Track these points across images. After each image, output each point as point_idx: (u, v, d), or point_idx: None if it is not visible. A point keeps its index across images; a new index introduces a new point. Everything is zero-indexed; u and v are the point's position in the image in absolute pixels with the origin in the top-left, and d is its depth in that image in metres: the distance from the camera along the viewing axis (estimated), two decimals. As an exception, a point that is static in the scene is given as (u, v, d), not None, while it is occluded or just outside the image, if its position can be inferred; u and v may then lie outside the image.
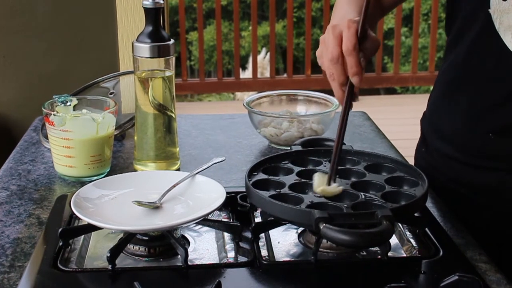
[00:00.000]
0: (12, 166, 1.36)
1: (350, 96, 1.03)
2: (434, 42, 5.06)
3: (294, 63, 5.39)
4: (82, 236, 1.04)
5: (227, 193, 1.06)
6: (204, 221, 1.04)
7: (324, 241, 0.96)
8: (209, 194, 1.07)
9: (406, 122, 3.78)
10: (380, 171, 1.11)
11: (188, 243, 1.04)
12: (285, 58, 5.50)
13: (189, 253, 0.97)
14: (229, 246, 1.02)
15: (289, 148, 1.24)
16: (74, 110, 1.33)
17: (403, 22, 6.25)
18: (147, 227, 1.01)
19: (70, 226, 1.07)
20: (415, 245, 1.02)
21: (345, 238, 0.86)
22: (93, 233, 1.06)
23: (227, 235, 1.05)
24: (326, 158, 1.15)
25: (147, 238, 1.01)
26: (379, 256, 0.98)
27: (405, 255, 1.02)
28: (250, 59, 5.32)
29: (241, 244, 1.02)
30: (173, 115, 1.30)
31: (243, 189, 1.06)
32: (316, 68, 5.20)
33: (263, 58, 6.48)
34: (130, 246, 1.00)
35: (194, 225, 1.08)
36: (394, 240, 1.05)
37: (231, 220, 1.10)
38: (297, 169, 1.11)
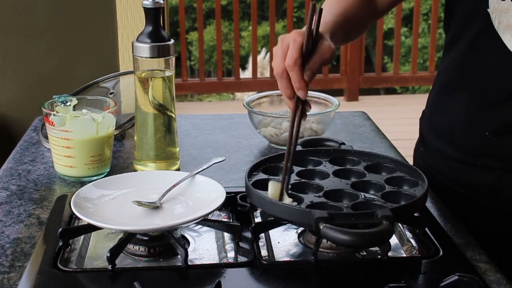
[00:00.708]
0: (12, 166, 1.36)
1: (301, 107, 1.03)
2: (434, 42, 5.06)
3: (294, 63, 5.38)
4: (82, 236, 1.04)
5: (227, 193, 1.06)
6: (204, 221, 1.04)
7: (324, 241, 0.96)
8: (209, 194, 1.07)
9: (406, 122, 3.78)
10: (380, 171, 1.11)
11: (188, 243, 1.04)
12: (285, 58, 5.49)
13: (189, 253, 0.97)
14: (229, 246, 1.02)
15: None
16: (74, 110, 1.33)
17: (403, 22, 6.25)
18: (147, 227, 1.01)
19: (70, 226, 1.07)
20: (415, 245, 1.02)
21: (345, 238, 0.86)
22: (93, 233, 1.06)
23: (227, 235, 1.05)
24: (326, 158, 1.15)
25: (147, 238, 1.01)
26: (379, 256, 0.98)
27: (405, 255, 1.02)
28: (250, 59, 5.32)
29: (241, 244, 1.02)
30: (173, 115, 1.30)
31: (243, 189, 1.06)
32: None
33: (263, 58, 6.48)
34: (130, 246, 1.00)
35: (194, 225, 1.08)
36: (394, 240, 1.05)
37: (231, 220, 1.10)
38: (297, 169, 1.11)
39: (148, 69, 1.27)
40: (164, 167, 1.31)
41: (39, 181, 1.29)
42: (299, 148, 1.20)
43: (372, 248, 1.00)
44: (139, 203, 1.06)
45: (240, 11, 5.70)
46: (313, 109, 1.54)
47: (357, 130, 1.60)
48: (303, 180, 1.08)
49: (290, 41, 1.01)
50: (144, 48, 1.23)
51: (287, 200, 1.01)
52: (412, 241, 1.04)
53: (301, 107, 1.03)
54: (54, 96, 1.33)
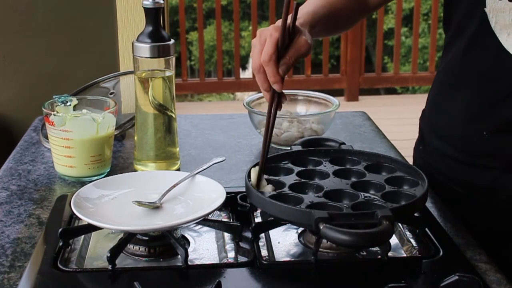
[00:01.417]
0: (12, 166, 1.36)
1: (277, 99, 1.07)
2: (434, 42, 5.06)
3: (294, 63, 5.39)
4: (82, 236, 1.04)
5: (227, 193, 1.06)
6: (204, 221, 1.04)
7: (324, 241, 0.96)
8: (209, 194, 1.07)
9: (406, 122, 3.78)
10: (380, 171, 1.11)
11: (188, 243, 1.04)
12: (285, 58, 5.49)
13: (189, 253, 0.97)
14: (229, 246, 1.02)
15: (289, 148, 1.24)
16: (74, 110, 1.33)
17: (403, 22, 6.25)
18: (147, 227, 1.01)
19: (70, 226, 1.07)
20: (415, 245, 1.02)
21: (345, 238, 0.86)
22: (93, 233, 1.06)
23: (227, 235, 1.05)
24: (326, 158, 1.15)
25: (147, 238, 1.01)
26: (379, 256, 0.98)
27: (405, 255, 1.02)
28: (250, 59, 5.31)
29: (241, 244, 1.02)
30: (173, 115, 1.30)
31: (243, 189, 1.06)
32: (316, 68, 5.21)
33: (263, 58, 6.47)
34: (130, 246, 1.00)
35: (194, 225, 1.08)
36: (394, 240, 1.05)
37: (231, 220, 1.10)
38: (297, 169, 1.11)
39: (148, 69, 1.27)
40: (164, 167, 1.31)
41: (39, 181, 1.29)
42: (299, 148, 1.20)
43: (372, 248, 1.00)
44: (139, 203, 1.06)
45: (240, 11, 5.70)
46: (313, 109, 1.55)
47: (357, 130, 1.60)
48: (303, 180, 1.08)
49: (267, 36, 1.05)
50: (144, 48, 1.23)
51: (266, 186, 1.05)
52: (412, 241, 1.04)
53: (277, 98, 1.07)
54: (54, 96, 1.33)
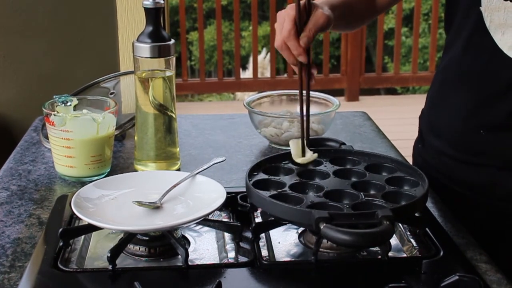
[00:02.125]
0: (13, 166, 1.36)
1: (306, 70, 1.15)
2: (434, 42, 5.06)
3: (294, 63, 5.38)
4: (83, 236, 1.04)
5: (228, 193, 1.06)
6: (205, 221, 1.04)
7: (325, 241, 0.96)
8: (209, 194, 1.07)
9: (407, 122, 3.77)
10: (380, 171, 1.11)
11: (189, 243, 1.04)
12: (285, 58, 5.49)
13: (189, 253, 0.97)
14: (230, 246, 1.02)
15: (289, 148, 1.24)
16: (74, 110, 1.33)
17: (404, 22, 6.25)
18: (147, 227, 1.01)
19: (70, 226, 1.07)
20: (416, 245, 1.02)
21: (345, 238, 0.86)
22: (93, 233, 1.06)
23: (227, 235, 1.05)
24: (326, 158, 1.15)
25: (147, 238, 1.01)
26: (380, 256, 0.98)
27: (405, 255, 1.02)
28: (251, 59, 5.32)
29: (242, 244, 1.02)
30: (173, 115, 1.30)
31: (244, 189, 1.06)
32: (317, 68, 5.21)
33: (264, 58, 6.48)
34: (131, 246, 1.00)
35: (195, 225, 1.08)
36: (394, 240, 1.05)
37: (232, 220, 1.10)
38: (297, 169, 1.11)
39: (149, 69, 1.27)
40: (164, 167, 1.31)
41: (40, 181, 1.29)
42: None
43: (372, 248, 1.00)
44: (140, 203, 1.06)
45: (241, 11, 5.70)
46: (314, 109, 1.55)
47: (357, 130, 1.60)
48: (303, 180, 1.08)
49: (285, 16, 1.13)
50: (145, 48, 1.23)
51: (309, 153, 1.14)
52: (413, 241, 1.03)
53: (307, 70, 1.15)
54: (54, 96, 1.33)
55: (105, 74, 1.58)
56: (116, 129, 1.35)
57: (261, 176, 1.09)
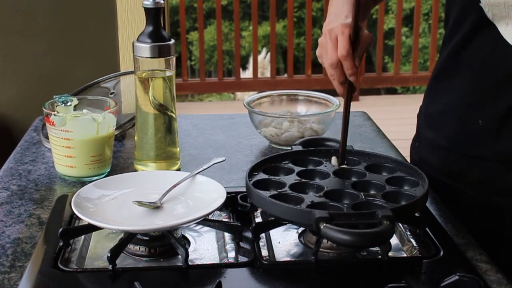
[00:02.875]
0: (13, 166, 1.36)
1: (350, 90, 1.14)
2: (434, 42, 5.06)
3: (294, 63, 5.39)
4: (83, 236, 1.04)
5: (228, 193, 1.06)
6: (205, 221, 1.04)
7: (325, 241, 0.96)
8: (209, 194, 1.07)
9: (407, 122, 3.77)
10: (380, 171, 1.11)
11: (189, 243, 1.04)
12: (286, 58, 5.50)
13: (189, 253, 0.97)
14: (230, 246, 1.02)
15: (289, 148, 1.24)
16: (74, 110, 1.33)
17: (404, 22, 6.25)
18: (147, 227, 1.01)
19: (70, 226, 1.07)
20: (416, 245, 1.02)
21: (345, 238, 0.86)
22: (93, 233, 1.06)
23: (227, 235, 1.05)
24: (326, 158, 1.15)
25: (147, 238, 1.01)
26: (380, 256, 0.98)
27: (405, 255, 1.02)
28: (251, 59, 5.32)
29: (242, 244, 1.02)
30: (173, 115, 1.30)
31: (244, 189, 1.06)
32: (317, 68, 5.20)
33: (264, 58, 6.48)
34: (131, 246, 1.00)
35: (195, 225, 1.08)
36: (394, 240, 1.05)
37: (232, 220, 1.10)
38: (297, 169, 1.11)
39: (149, 69, 1.27)
40: (164, 167, 1.31)
41: (40, 181, 1.29)
42: (299, 148, 1.20)
43: (372, 248, 1.00)
44: (140, 203, 1.06)
45: (241, 11, 5.70)
46: (314, 109, 1.55)
47: (357, 130, 1.60)
48: (303, 180, 1.08)
49: (338, 33, 1.12)
50: (145, 48, 1.23)
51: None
52: (413, 241, 1.03)
53: (350, 89, 1.14)
54: (54, 96, 1.33)
55: (105, 74, 1.58)
56: (116, 129, 1.35)
57: (261, 176, 1.09)
